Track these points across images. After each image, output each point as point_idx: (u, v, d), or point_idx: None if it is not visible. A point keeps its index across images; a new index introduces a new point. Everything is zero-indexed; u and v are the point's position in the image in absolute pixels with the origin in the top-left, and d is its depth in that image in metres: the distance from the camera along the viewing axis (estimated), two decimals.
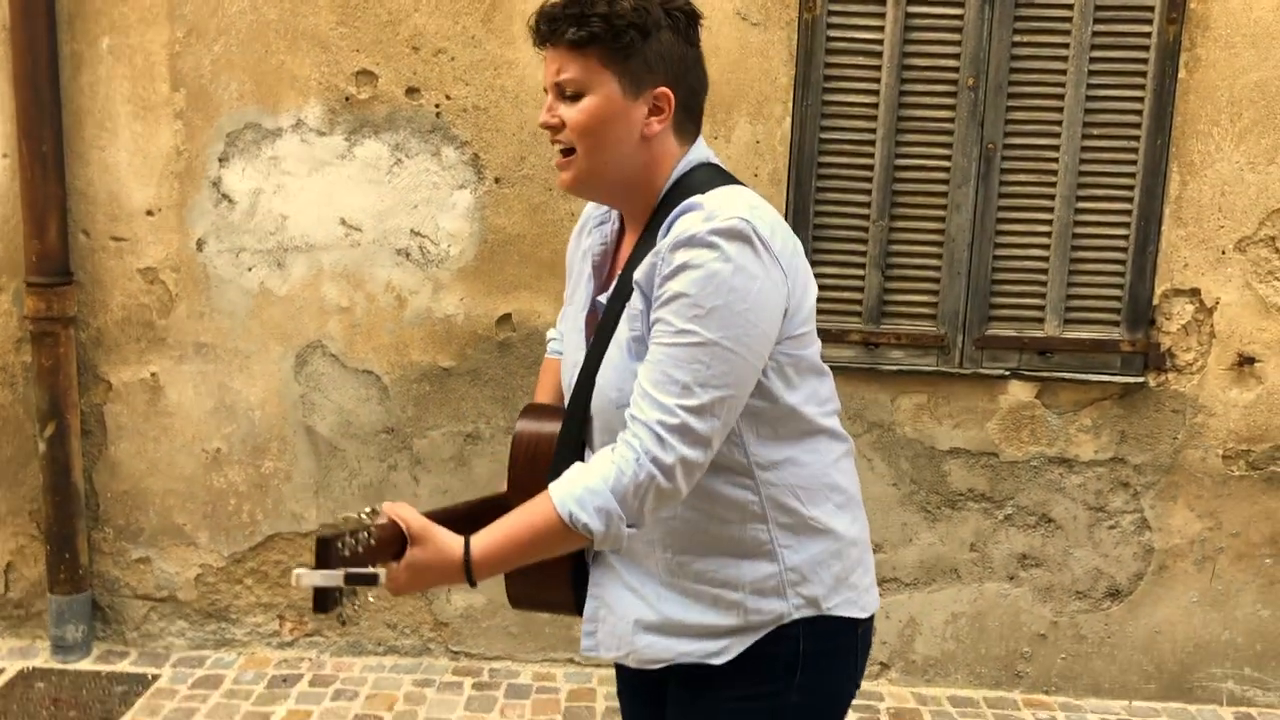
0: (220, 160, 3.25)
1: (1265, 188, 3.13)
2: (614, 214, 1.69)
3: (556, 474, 1.51)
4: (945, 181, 3.17)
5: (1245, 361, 3.20)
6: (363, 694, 3.27)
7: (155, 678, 3.31)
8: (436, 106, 3.21)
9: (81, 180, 3.26)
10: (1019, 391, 3.25)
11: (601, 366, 1.55)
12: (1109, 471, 3.28)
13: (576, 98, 1.51)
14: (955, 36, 3.10)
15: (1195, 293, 3.19)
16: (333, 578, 1.39)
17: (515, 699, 3.27)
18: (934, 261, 3.20)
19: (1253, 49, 3.07)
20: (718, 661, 1.56)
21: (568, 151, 1.55)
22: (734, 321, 1.42)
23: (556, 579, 1.65)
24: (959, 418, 3.27)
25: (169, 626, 3.47)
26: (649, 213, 1.57)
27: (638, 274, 1.50)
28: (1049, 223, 3.17)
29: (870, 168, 3.16)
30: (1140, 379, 3.21)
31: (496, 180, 3.24)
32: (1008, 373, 3.23)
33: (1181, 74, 3.09)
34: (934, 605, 3.37)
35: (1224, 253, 3.17)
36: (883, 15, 3.09)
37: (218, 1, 3.17)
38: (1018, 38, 3.10)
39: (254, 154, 3.24)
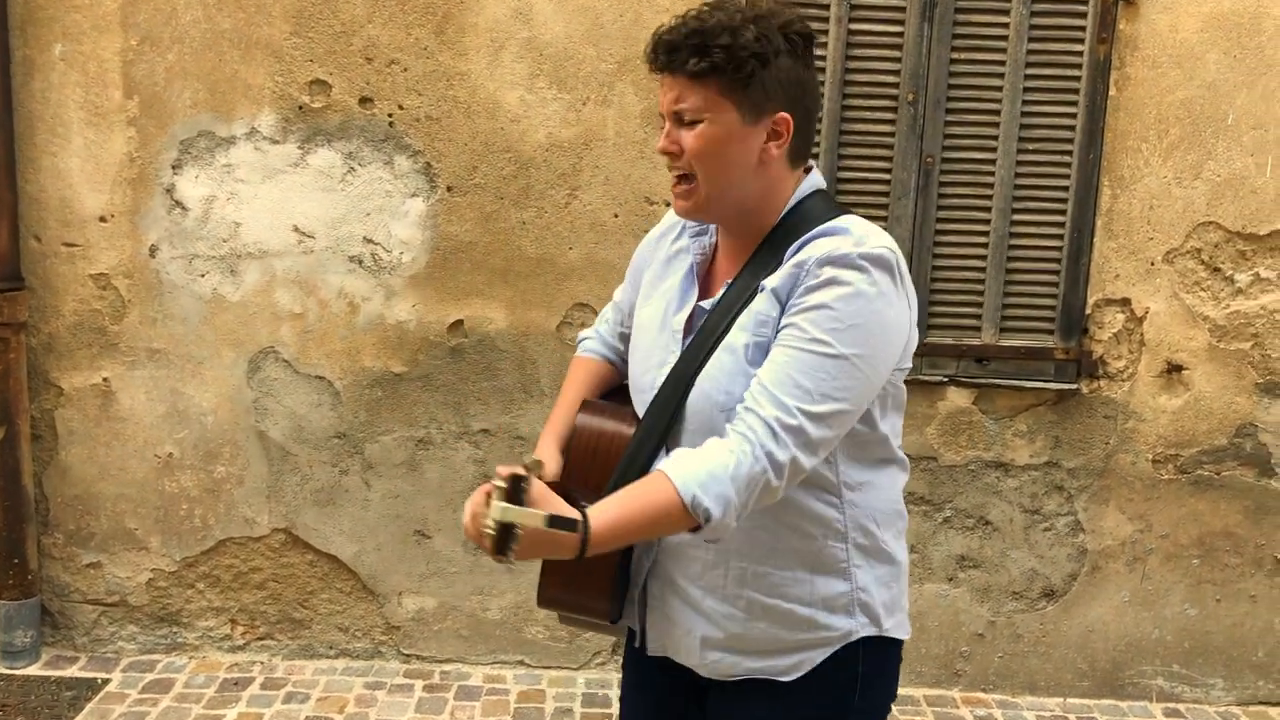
0: (174, 167, 3.27)
1: (1191, 202, 3.25)
2: (712, 228, 1.69)
3: (632, 470, 1.52)
4: (886, 194, 3.26)
5: (1173, 369, 3.31)
6: (314, 696, 3.30)
7: (105, 682, 3.32)
8: (389, 116, 3.26)
9: (34, 186, 3.27)
10: (957, 398, 3.34)
11: (706, 368, 1.55)
12: (1044, 475, 3.38)
13: (694, 124, 1.52)
14: (896, 53, 3.20)
15: (1126, 302, 3.30)
16: (533, 516, 1.30)
17: (465, 700, 3.31)
18: None
19: (1178, 68, 3.20)
20: (786, 679, 1.59)
21: (686, 178, 1.56)
22: (867, 342, 1.45)
23: (598, 585, 1.62)
24: None
25: (119, 631, 3.48)
26: (761, 231, 1.58)
27: (770, 281, 1.51)
28: (986, 234, 3.27)
29: None
30: (1074, 386, 3.32)
31: (449, 189, 3.29)
32: (946, 379, 3.32)
33: (1112, 91, 3.20)
34: None
35: (1153, 264, 3.28)
36: (825, 31, 3.18)
37: (171, 10, 3.20)
38: (956, 54, 3.20)
39: (207, 161, 3.27)
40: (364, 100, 3.25)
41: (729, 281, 1.58)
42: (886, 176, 3.25)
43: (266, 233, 3.30)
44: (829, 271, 1.45)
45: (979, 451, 3.37)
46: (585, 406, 1.73)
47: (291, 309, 3.33)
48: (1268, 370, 3.32)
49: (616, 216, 3.29)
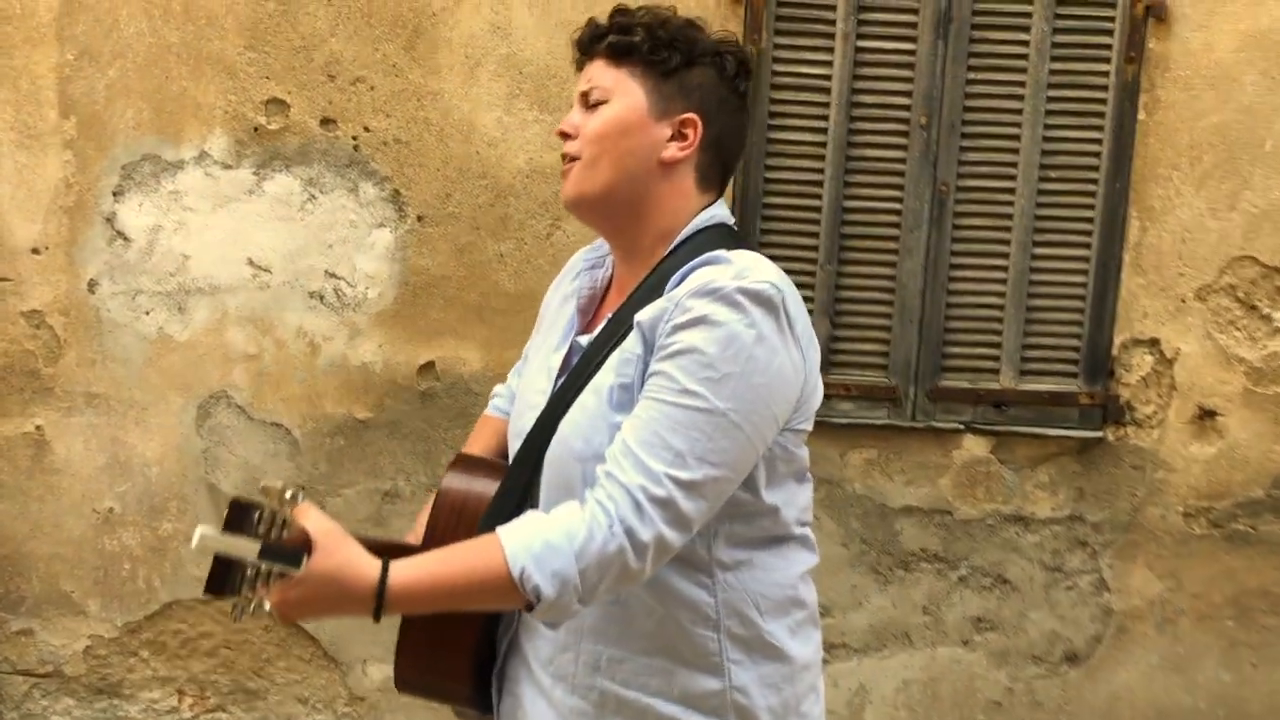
0: (115, 194, 2.98)
1: (1226, 234, 3.01)
2: (608, 260, 1.52)
3: (489, 529, 1.29)
4: (896, 225, 3.00)
5: (1206, 415, 3.07)
6: None
7: None
8: (354, 139, 2.98)
9: None
10: (973, 446, 3.09)
11: (569, 411, 1.35)
12: (1066, 530, 3.13)
13: (599, 105, 1.39)
14: (907, 73, 2.95)
15: (1155, 343, 3.05)
16: (244, 548, 1.14)
17: None
18: (884, 309, 3.03)
19: (1212, 90, 2.96)
20: None
21: (569, 159, 1.41)
22: (747, 395, 1.25)
23: (457, 665, 1.42)
24: (911, 473, 3.10)
25: (54, 705, 3.16)
26: (652, 259, 1.40)
27: (641, 315, 1.31)
28: (1004, 269, 3.01)
29: (818, 209, 2.98)
30: (1099, 433, 3.07)
31: (419, 218, 3.01)
32: (962, 426, 3.07)
33: (1141, 116, 2.96)
34: (885, 672, 3.18)
35: (1184, 301, 3.04)
36: (831, 50, 2.93)
37: (113, 21, 2.91)
38: (972, 75, 2.95)
39: (152, 188, 2.98)
40: (326, 121, 2.97)
41: (610, 315, 1.43)
42: (897, 206, 2.99)
43: (218, 266, 3.01)
44: (700, 307, 1.27)
45: (997, 504, 3.12)
46: (457, 463, 1.51)
47: (245, 349, 3.04)
48: None
49: None
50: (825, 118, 2.95)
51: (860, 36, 2.93)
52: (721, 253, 1.34)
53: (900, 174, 2.98)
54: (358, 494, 3.10)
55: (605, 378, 1.35)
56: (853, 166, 2.98)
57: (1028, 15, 2.92)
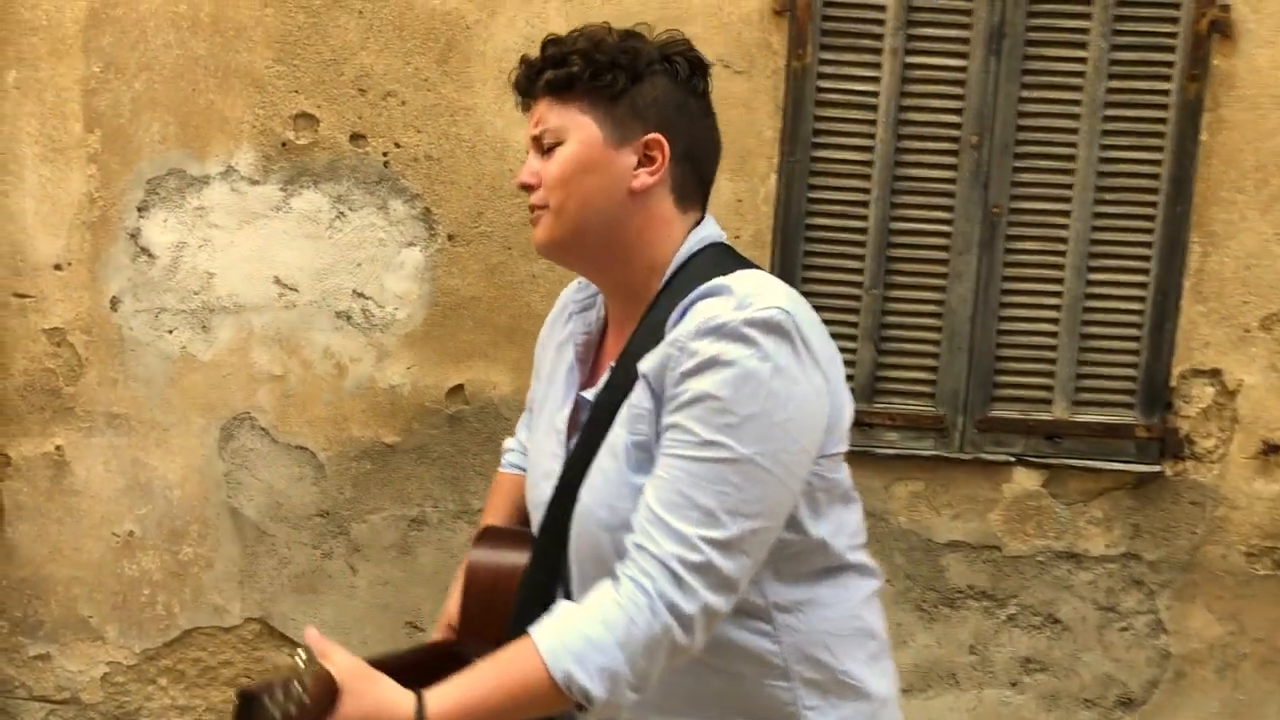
0: (139, 210, 2.91)
1: None
2: (599, 299, 1.41)
3: (524, 616, 1.20)
4: (946, 248, 2.88)
5: (1271, 450, 2.92)
6: None
7: None
8: (384, 155, 2.89)
9: None
10: (1024, 479, 2.95)
11: (588, 478, 1.26)
12: (1121, 568, 2.99)
13: (554, 149, 1.30)
14: (958, 90, 2.83)
15: (1216, 374, 2.91)
16: None
17: None
18: (932, 335, 2.90)
19: (1279, 110, 2.82)
20: None
21: (535, 209, 1.32)
22: (771, 434, 1.15)
23: None
24: (959, 507, 2.97)
25: None
26: (646, 295, 1.30)
27: (644, 365, 1.21)
28: (1058, 295, 2.88)
29: (864, 231, 2.87)
30: (1156, 467, 2.93)
31: (450, 237, 2.92)
32: (1012, 458, 2.93)
33: (1204, 136, 2.82)
34: (929, 714, 3.05)
35: (1248, 331, 2.90)
36: (879, 65, 2.81)
37: (139, 34, 2.84)
38: (1025, 93, 2.82)
39: (177, 203, 2.90)
40: (355, 137, 2.89)
41: (612, 364, 1.31)
42: (947, 229, 2.87)
43: (243, 284, 2.93)
44: (707, 347, 1.17)
45: (1048, 540, 2.98)
46: (482, 537, 1.42)
47: (270, 370, 2.96)
48: None
49: None
50: (872, 136, 2.84)
51: (909, 52, 2.81)
52: (719, 281, 1.23)
53: (950, 195, 2.86)
54: (384, 520, 3.00)
55: (619, 436, 1.25)
56: (900, 187, 2.86)
57: (1085, 31, 2.79)
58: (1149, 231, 2.86)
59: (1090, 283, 2.88)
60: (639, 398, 1.23)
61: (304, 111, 2.88)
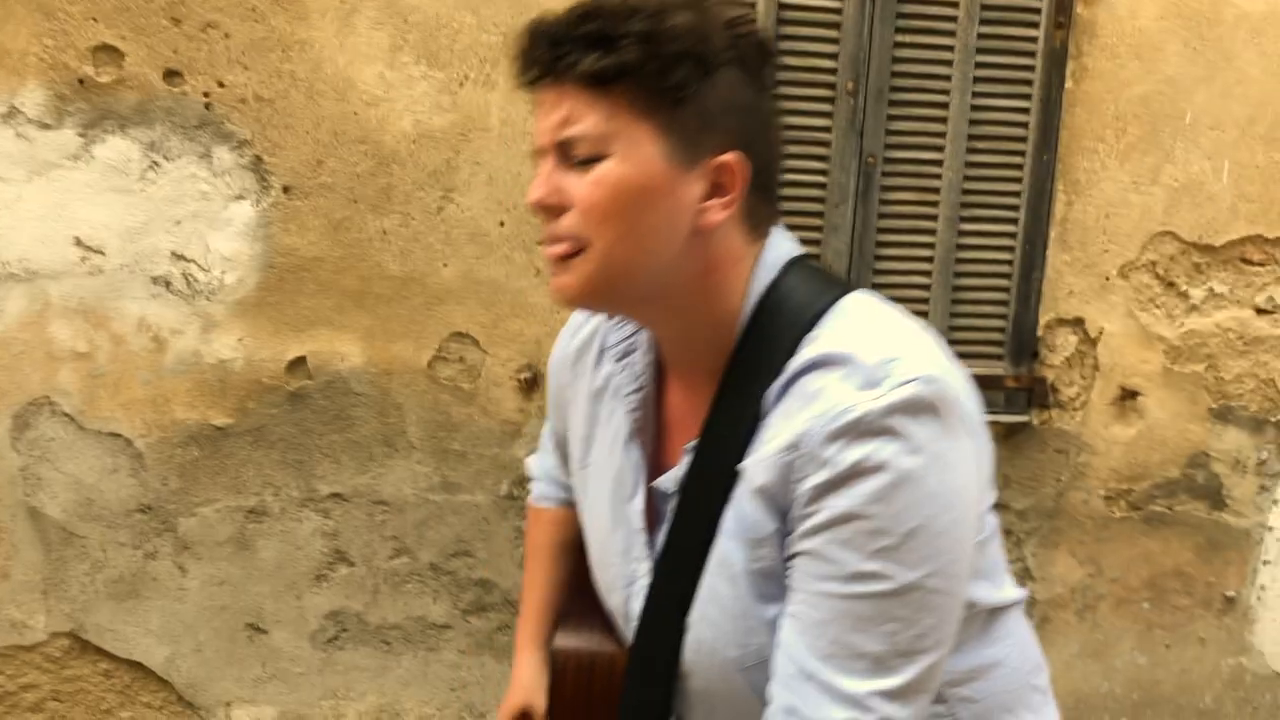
0: None
1: (1148, 209, 2.92)
2: (643, 338, 1.12)
3: None
4: (822, 200, 2.77)
5: (1128, 395, 2.98)
6: None
7: None
8: (205, 95, 2.51)
9: None
10: None
11: (697, 603, 1.01)
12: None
13: (591, 162, 0.97)
14: (833, 33, 2.71)
15: (1079, 322, 2.94)
16: None
17: None
18: None
19: (1137, 60, 2.85)
20: None
21: (566, 246, 0.98)
22: (938, 546, 0.92)
23: None
24: None
25: None
26: (718, 343, 1.02)
27: (757, 476, 0.96)
28: (931, 247, 2.83)
29: None
30: (1024, 417, 2.94)
31: (285, 190, 2.58)
32: None
33: (1069, 84, 2.82)
34: None
35: (1108, 279, 2.93)
36: (752, 6, 2.66)
37: None
38: (900, 37, 2.73)
39: None
40: (170, 74, 2.49)
41: (691, 445, 1.04)
42: (823, 180, 2.76)
43: (36, 247, 2.50)
44: (844, 454, 0.91)
45: None
46: (565, 625, 1.27)
47: (74, 347, 2.54)
48: (1221, 394, 3.03)
49: (502, 225, 2.66)
50: (781, 132, 2.68)
51: None
52: (832, 348, 0.96)
53: (826, 144, 2.75)
54: (217, 513, 2.65)
55: (733, 556, 1.00)
56: None
57: None
58: (1018, 181, 2.84)
59: (962, 233, 2.84)
60: (755, 514, 0.98)
61: (105, 43, 2.46)
